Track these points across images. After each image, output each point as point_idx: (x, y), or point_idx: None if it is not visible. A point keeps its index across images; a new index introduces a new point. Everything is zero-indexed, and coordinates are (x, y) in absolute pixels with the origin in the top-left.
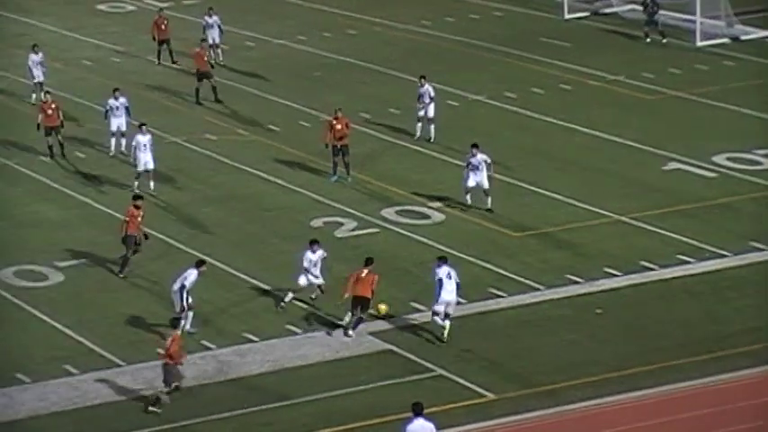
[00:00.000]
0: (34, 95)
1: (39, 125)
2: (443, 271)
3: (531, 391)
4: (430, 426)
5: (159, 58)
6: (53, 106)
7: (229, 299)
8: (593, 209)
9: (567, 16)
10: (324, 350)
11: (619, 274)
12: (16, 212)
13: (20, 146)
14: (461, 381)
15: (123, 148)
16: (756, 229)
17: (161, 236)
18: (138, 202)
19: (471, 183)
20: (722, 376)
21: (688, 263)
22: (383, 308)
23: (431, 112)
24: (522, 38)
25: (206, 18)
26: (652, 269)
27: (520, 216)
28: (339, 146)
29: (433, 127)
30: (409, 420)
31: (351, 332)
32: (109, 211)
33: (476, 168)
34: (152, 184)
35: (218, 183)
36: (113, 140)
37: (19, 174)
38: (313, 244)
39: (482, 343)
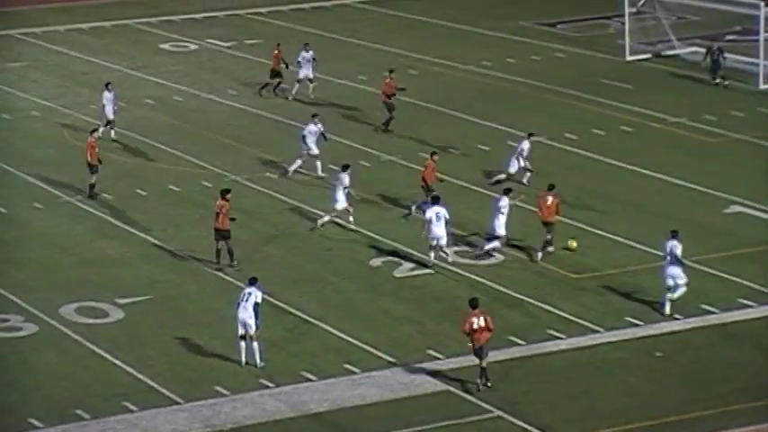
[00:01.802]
0: (102, 131)
1: (89, 163)
2: (433, 210)
3: None
4: None
5: (263, 90)
6: (97, 145)
7: (287, 337)
8: (654, 251)
9: (628, 58)
10: (382, 390)
11: (680, 317)
12: (78, 249)
13: (83, 183)
14: (519, 422)
15: (320, 172)
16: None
17: (220, 273)
18: (228, 196)
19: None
20: None
21: (750, 307)
22: (573, 244)
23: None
24: (584, 79)
25: (302, 53)
26: (713, 312)
27: (580, 257)
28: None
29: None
30: None
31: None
32: (169, 248)
33: (498, 211)
34: (351, 218)
35: (277, 221)
36: (318, 163)
37: (81, 211)
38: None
39: (541, 385)
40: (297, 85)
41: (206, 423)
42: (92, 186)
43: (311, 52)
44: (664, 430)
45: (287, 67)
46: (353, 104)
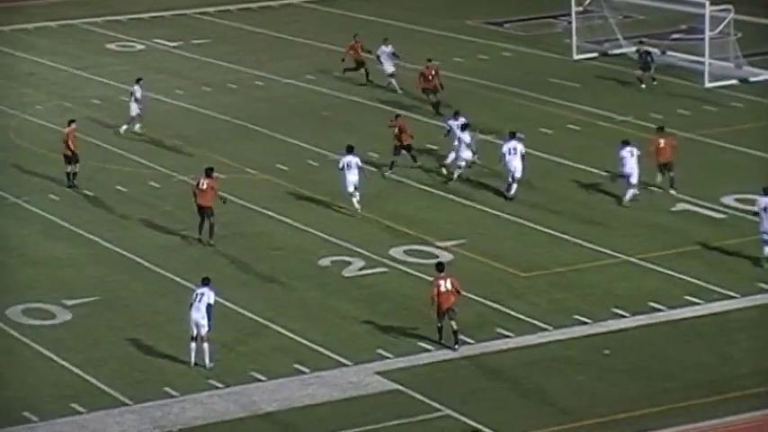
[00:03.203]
0: (137, 126)
1: (71, 152)
2: (510, 145)
3: None
4: None
5: (368, 78)
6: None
7: (237, 337)
8: (602, 249)
9: (575, 57)
10: (331, 390)
11: (627, 314)
12: (25, 251)
13: (29, 184)
14: (469, 421)
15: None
16: (764, 271)
17: (169, 274)
18: (213, 174)
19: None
20: (731, 418)
21: (696, 304)
22: None
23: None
24: (531, 78)
25: (382, 47)
26: (660, 310)
27: (528, 256)
28: (401, 145)
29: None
30: None
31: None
32: (117, 249)
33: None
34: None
35: (227, 221)
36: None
37: (28, 212)
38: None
39: (490, 383)
40: (392, 81)
41: (155, 424)
42: (73, 175)
43: (390, 47)
44: (612, 427)
45: (370, 53)
46: (300, 104)
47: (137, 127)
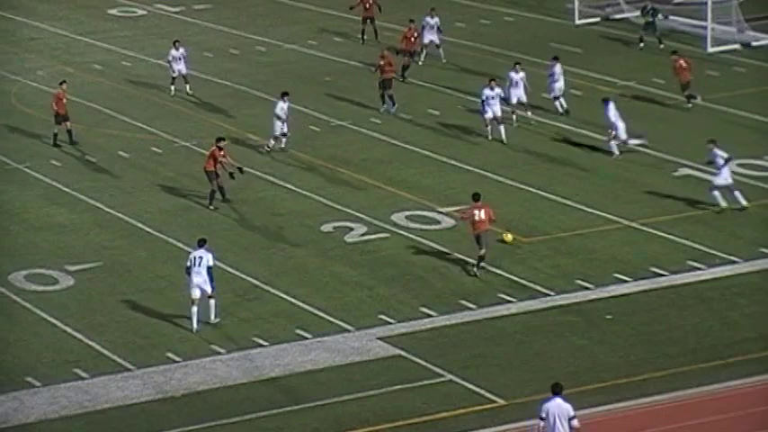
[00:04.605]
0: (173, 87)
1: (57, 113)
2: (558, 68)
3: (541, 396)
4: (567, 406)
5: (363, 36)
6: (66, 96)
7: (239, 303)
8: (604, 214)
9: (577, 22)
10: (334, 355)
11: (629, 279)
12: (27, 216)
13: (31, 149)
14: (471, 386)
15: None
16: (767, 236)
17: (171, 240)
18: (221, 144)
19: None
20: (732, 382)
21: (698, 269)
22: (509, 237)
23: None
24: (533, 43)
25: (427, 19)
26: (662, 275)
27: (530, 221)
28: (383, 80)
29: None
30: (548, 399)
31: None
32: (119, 214)
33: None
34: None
35: (227, 187)
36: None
37: (30, 177)
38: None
39: (492, 348)
40: (424, 51)
41: (158, 389)
42: (55, 136)
43: (436, 19)
44: (614, 392)
45: (380, 10)
46: (302, 69)
47: (187, 87)
